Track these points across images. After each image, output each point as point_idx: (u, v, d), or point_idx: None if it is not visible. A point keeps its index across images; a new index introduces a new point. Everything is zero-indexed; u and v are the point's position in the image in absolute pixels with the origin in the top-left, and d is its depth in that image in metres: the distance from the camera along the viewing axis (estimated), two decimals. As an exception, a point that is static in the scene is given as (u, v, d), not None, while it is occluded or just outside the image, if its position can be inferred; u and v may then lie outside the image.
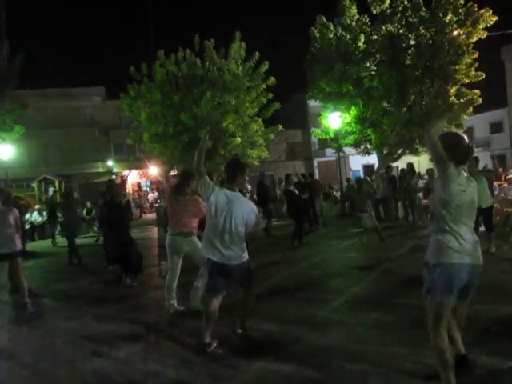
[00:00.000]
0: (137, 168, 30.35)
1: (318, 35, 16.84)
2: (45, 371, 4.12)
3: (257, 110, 18.53)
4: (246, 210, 4.13)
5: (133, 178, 31.47)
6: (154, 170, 28.54)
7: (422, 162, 24.92)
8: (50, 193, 24.19)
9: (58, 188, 26.89)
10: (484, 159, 25.41)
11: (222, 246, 4.05)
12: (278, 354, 4.07)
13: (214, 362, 4.02)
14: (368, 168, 30.72)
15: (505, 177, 15.82)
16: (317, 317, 5.03)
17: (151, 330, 5.01)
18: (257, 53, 17.96)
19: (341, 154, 17.87)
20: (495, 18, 14.56)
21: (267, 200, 13.49)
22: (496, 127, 34.05)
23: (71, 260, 10.07)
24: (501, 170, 19.48)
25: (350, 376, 3.55)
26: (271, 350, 4.17)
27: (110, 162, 34.26)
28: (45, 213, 16.18)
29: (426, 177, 15.82)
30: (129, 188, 28.18)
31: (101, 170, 34.38)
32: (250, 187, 14.05)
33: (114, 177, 33.87)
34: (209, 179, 4.14)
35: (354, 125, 16.62)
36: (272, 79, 18.05)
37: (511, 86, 32.61)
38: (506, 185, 12.14)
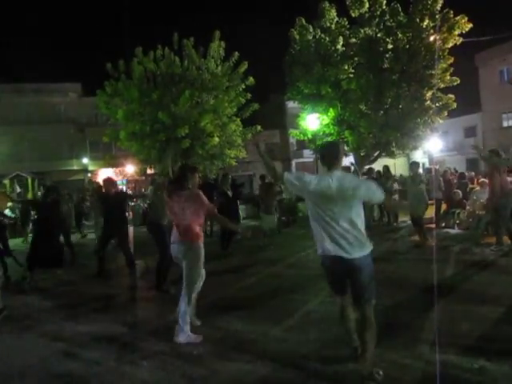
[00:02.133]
0: (113, 166, 29.95)
1: (297, 37, 16.91)
2: (14, 373, 3.99)
3: (235, 110, 18.47)
4: None
5: (109, 175, 30.98)
6: (130, 169, 28.28)
7: (397, 164, 25.32)
8: (18, 190, 23.49)
9: (30, 185, 26.27)
10: (458, 163, 25.85)
11: None
12: (253, 354, 4.06)
13: (189, 362, 3.99)
14: (344, 169, 30.97)
15: (477, 180, 16.24)
16: (293, 317, 5.04)
17: (125, 331, 4.94)
18: (236, 52, 17.92)
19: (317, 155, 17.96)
20: (470, 25, 14.87)
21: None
22: (470, 132, 34.84)
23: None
24: (473, 173, 20.05)
25: (326, 378, 3.57)
26: (247, 350, 4.16)
27: (85, 160, 33.75)
28: (17, 211, 15.74)
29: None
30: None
31: (76, 167, 33.85)
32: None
33: (88, 175, 33.41)
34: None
35: (331, 126, 16.74)
36: (251, 79, 18.02)
37: (484, 92, 33.42)
38: (478, 188, 12.45)
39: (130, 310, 5.94)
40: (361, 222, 3.39)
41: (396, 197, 13.80)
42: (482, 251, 8.31)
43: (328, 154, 3.54)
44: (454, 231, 11.26)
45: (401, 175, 19.60)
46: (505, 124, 32.24)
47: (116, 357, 4.21)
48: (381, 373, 3.40)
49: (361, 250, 3.35)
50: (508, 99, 30.56)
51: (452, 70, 15.67)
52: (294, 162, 37.85)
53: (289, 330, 4.65)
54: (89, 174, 33.66)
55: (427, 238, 9.25)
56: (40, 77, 33.21)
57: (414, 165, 10.02)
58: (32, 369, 4.06)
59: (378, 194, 3.45)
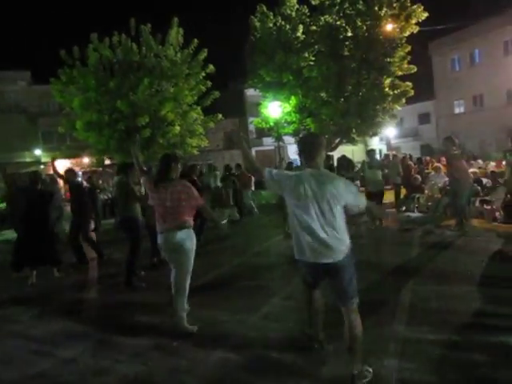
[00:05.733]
0: (69, 157, 28.89)
1: (258, 24, 16.79)
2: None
3: (196, 98, 18.21)
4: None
5: (64, 167, 29.91)
6: (87, 160, 27.35)
7: (356, 151, 25.83)
8: None
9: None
10: (412, 149, 26.61)
11: None
12: (234, 343, 4.05)
13: (170, 355, 3.93)
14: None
15: (432, 165, 16.84)
16: (269, 304, 5.05)
17: (99, 328, 4.79)
18: (195, 40, 17.62)
19: (280, 143, 18.02)
20: (426, 14, 15.27)
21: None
22: (424, 118, 35.96)
23: None
24: (428, 158, 20.80)
25: (311, 359, 3.60)
26: (226, 339, 4.14)
27: (38, 152, 32.40)
28: None
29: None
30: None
31: (28, 159, 32.46)
32: None
33: (41, 167, 32.11)
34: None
35: (293, 114, 16.81)
36: (211, 67, 17.76)
37: (438, 80, 34.49)
38: (433, 173, 12.91)
39: (99, 305, 5.77)
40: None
41: (357, 183, 14.06)
42: (443, 232, 8.66)
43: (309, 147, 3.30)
44: (415, 215, 11.61)
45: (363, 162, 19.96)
46: (456, 111, 33.47)
47: (92, 354, 4.09)
48: (370, 370, 3.23)
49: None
50: (459, 87, 31.68)
51: (409, 58, 16.04)
52: (253, 151, 37.82)
53: (266, 318, 4.66)
54: (42, 166, 32.38)
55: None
56: (-14, 64, 31.47)
57: (371, 152, 10.36)
58: (4, 372, 3.87)
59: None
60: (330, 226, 3.10)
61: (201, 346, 4.04)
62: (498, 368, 3.28)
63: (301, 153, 3.37)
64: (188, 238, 4.43)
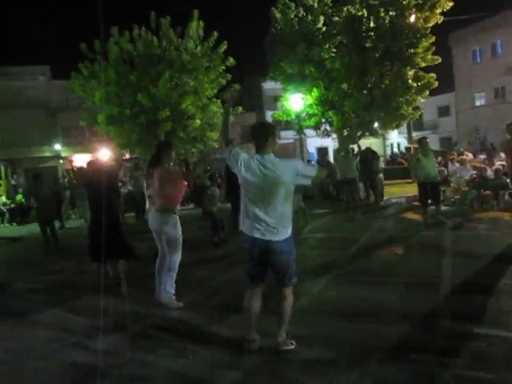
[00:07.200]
0: (88, 152, 29.13)
1: (279, 15, 16.61)
2: (23, 368, 3.77)
3: (216, 91, 18.15)
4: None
5: (84, 162, 30.11)
6: (105, 154, 27.43)
7: (374, 143, 25.57)
8: None
9: (3, 173, 25.26)
10: (432, 142, 26.45)
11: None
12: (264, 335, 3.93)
13: (212, 349, 3.83)
14: (322, 150, 31.21)
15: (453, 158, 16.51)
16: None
17: (132, 321, 4.71)
18: (215, 32, 17.52)
19: (302, 135, 17.87)
20: (451, 4, 14.92)
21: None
22: (443, 111, 35.43)
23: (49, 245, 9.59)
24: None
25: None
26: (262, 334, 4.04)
27: (57, 146, 32.73)
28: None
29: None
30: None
31: (47, 154, 32.83)
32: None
33: (61, 161, 32.40)
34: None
35: (315, 107, 16.62)
36: (231, 60, 17.66)
37: (458, 72, 33.89)
38: (458, 165, 12.66)
39: (131, 298, 5.73)
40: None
41: (381, 176, 13.88)
42: (475, 226, 8.50)
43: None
44: (441, 208, 11.39)
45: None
46: (477, 103, 32.88)
47: (130, 347, 4.01)
48: (293, 342, 3.65)
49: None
50: (480, 79, 31.09)
51: (434, 48, 15.70)
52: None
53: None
54: (61, 161, 32.72)
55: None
56: (6, 60, 31.87)
57: (423, 140, 9.62)
58: (45, 363, 3.84)
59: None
60: (273, 209, 3.41)
61: (238, 339, 3.93)
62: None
63: (253, 140, 3.65)
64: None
